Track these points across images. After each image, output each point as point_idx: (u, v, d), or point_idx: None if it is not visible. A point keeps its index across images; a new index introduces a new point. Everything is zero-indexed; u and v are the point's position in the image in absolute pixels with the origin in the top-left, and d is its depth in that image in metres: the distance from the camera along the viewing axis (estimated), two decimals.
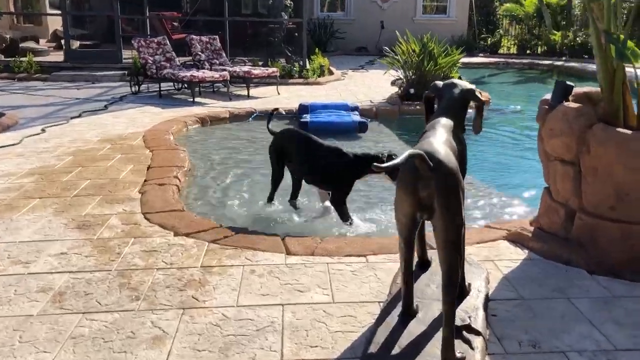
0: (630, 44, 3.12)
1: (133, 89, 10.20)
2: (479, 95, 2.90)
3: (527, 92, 13.74)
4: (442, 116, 2.76)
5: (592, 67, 16.96)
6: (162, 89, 9.98)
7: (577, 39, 19.36)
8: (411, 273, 2.54)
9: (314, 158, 4.31)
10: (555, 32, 20.41)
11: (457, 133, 2.72)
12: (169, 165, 5.30)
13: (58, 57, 13.24)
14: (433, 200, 2.24)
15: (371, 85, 11.80)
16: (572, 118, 3.30)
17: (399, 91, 9.79)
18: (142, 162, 5.46)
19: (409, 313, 2.60)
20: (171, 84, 10.30)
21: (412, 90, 9.32)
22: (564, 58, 18.99)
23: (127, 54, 12.92)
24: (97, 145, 6.16)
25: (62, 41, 13.32)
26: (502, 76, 15.66)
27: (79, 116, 7.98)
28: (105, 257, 3.37)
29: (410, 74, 9.54)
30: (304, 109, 8.29)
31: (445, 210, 2.23)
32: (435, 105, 2.98)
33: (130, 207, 4.21)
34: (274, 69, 10.63)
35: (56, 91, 10.28)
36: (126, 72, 11.95)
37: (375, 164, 2.16)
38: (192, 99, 9.34)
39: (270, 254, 3.42)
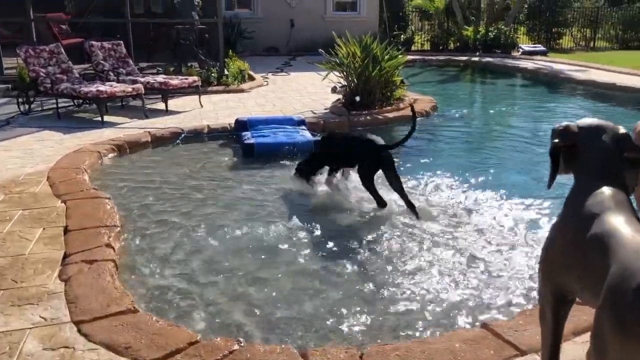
0: None
1: (22, 107, 8.39)
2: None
3: (458, 91, 13.24)
4: (599, 182, 1.72)
5: (511, 62, 17.28)
6: (59, 106, 8.26)
7: (489, 33, 19.35)
8: None
9: None
10: (467, 27, 20.34)
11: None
12: (93, 225, 3.89)
13: None
14: None
15: (303, 92, 10.67)
16: None
17: (342, 99, 8.75)
18: (55, 222, 4.00)
19: None
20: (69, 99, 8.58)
21: (357, 98, 8.31)
22: (477, 53, 18.89)
23: (8, 63, 10.90)
24: None
25: None
26: (424, 75, 15.11)
27: None
28: None
29: (354, 80, 8.52)
30: (241, 125, 7.03)
31: None
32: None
33: (52, 310, 2.82)
34: (195, 78, 9.21)
35: None
36: (10, 85, 10.00)
37: None
38: (100, 119, 7.74)
39: None
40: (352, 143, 5.02)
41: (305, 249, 3.89)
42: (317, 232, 4.17)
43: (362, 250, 3.88)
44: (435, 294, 3.28)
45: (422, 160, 6.29)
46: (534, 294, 3.13)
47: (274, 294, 3.28)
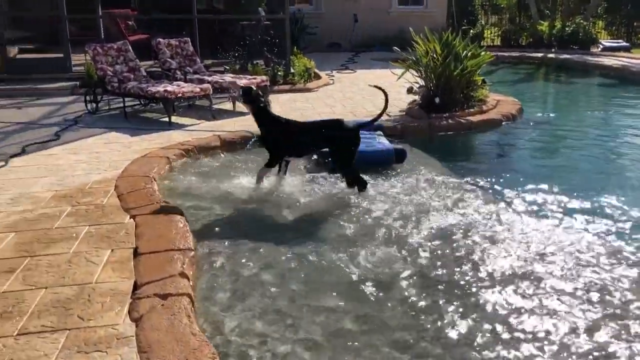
0: None
1: (90, 106, 8.22)
2: None
3: (538, 92, 12.37)
4: None
5: (592, 59, 16.08)
6: (126, 105, 8.03)
7: (567, 28, 18.19)
8: None
9: None
10: (542, 21, 19.23)
11: None
12: (165, 248, 3.50)
13: None
14: None
15: (372, 91, 10.10)
16: None
17: (418, 100, 8.16)
18: (124, 242, 3.63)
19: None
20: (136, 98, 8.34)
21: (437, 100, 7.70)
22: (553, 50, 17.80)
23: (76, 60, 10.85)
24: (51, 209, 4.27)
25: None
26: (498, 73, 14.22)
27: (23, 152, 6.01)
28: None
29: (432, 80, 7.91)
30: None
31: None
32: None
33: None
34: (263, 77, 8.81)
35: None
36: (78, 83, 9.93)
37: None
38: (167, 119, 7.45)
39: None
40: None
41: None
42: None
43: None
44: None
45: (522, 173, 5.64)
46: None
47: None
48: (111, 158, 5.72)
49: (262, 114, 5.02)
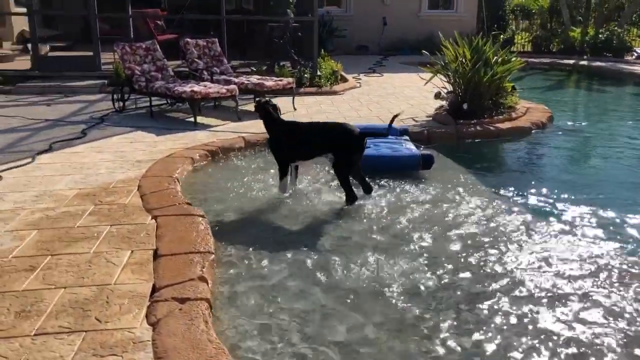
0: None
1: (117, 105, 8.27)
2: None
3: (569, 99, 12.10)
4: None
5: (627, 67, 15.66)
6: (152, 104, 8.06)
7: (600, 35, 17.80)
8: None
9: None
10: (574, 28, 18.86)
11: None
12: (185, 250, 3.46)
13: (24, 64, 11.17)
14: None
15: (399, 96, 10.01)
16: None
17: (446, 105, 8.02)
18: (145, 243, 3.60)
19: None
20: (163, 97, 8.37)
21: (465, 106, 7.56)
22: (585, 57, 17.42)
23: (105, 58, 10.96)
24: (74, 207, 4.27)
25: (29, 45, 11.26)
26: (528, 80, 13.97)
27: (50, 149, 6.06)
28: None
29: (461, 85, 7.77)
30: None
31: None
32: None
33: None
34: (289, 80, 8.76)
35: (21, 109, 8.30)
36: (106, 81, 10.03)
37: None
38: (192, 120, 7.45)
39: None
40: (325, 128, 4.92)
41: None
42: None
43: None
44: None
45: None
46: None
47: None
48: (135, 157, 5.73)
49: (268, 118, 4.95)
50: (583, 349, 2.79)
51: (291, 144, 4.83)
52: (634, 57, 17.30)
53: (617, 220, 4.43)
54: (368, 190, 4.81)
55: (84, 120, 7.56)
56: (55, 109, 8.32)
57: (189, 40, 8.98)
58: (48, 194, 4.55)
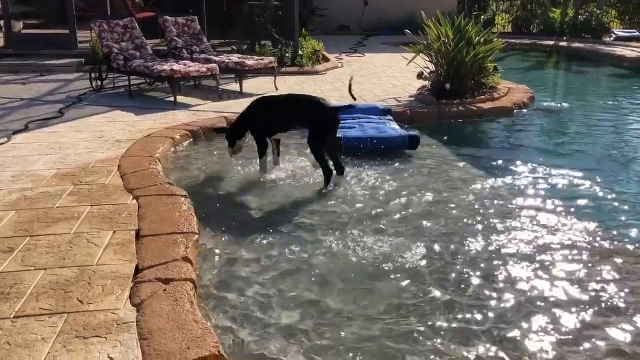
0: None
1: (94, 84, 8.11)
2: None
3: (549, 80, 12.18)
4: None
5: (605, 48, 15.80)
6: (131, 84, 7.91)
7: (579, 17, 17.88)
8: None
9: None
10: (554, 9, 18.92)
11: None
12: (169, 231, 3.40)
13: None
14: None
15: (382, 76, 9.96)
16: None
17: (428, 85, 8.00)
18: (126, 224, 3.54)
19: None
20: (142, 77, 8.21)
21: (447, 86, 7.55)
22: (565, 38, 17.51)
23: (82, 36, 10.70)
24: (53, 187, 4.18)
25: (2, 22, 10.95)
26: (509, 60, 13.96)
27: (26, 129, 5.92)
28: None
29: (443, 65, 7.74)
30: None
31: None
32: None
33: (122, 349, 2.33)
34: (271, 59, 8.65)
35: None
36: (83, 60, 9.81)
37: None
38: (172, 99, 7.33)
39: None
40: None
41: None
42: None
43: None
44: None
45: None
46: None
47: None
48: (115, 137, 5.62)
49: None
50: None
51: (266, 118, 4.79)
52: (611, 38, 17.42)
53: (598, 192, 4.56)
54: (341, 171, 4.74)
55: (61, 100, 7.40)
56: (31, 88, 8.13)
57: (167, 18, 8.81)
58: (25, 175, 4.45)
